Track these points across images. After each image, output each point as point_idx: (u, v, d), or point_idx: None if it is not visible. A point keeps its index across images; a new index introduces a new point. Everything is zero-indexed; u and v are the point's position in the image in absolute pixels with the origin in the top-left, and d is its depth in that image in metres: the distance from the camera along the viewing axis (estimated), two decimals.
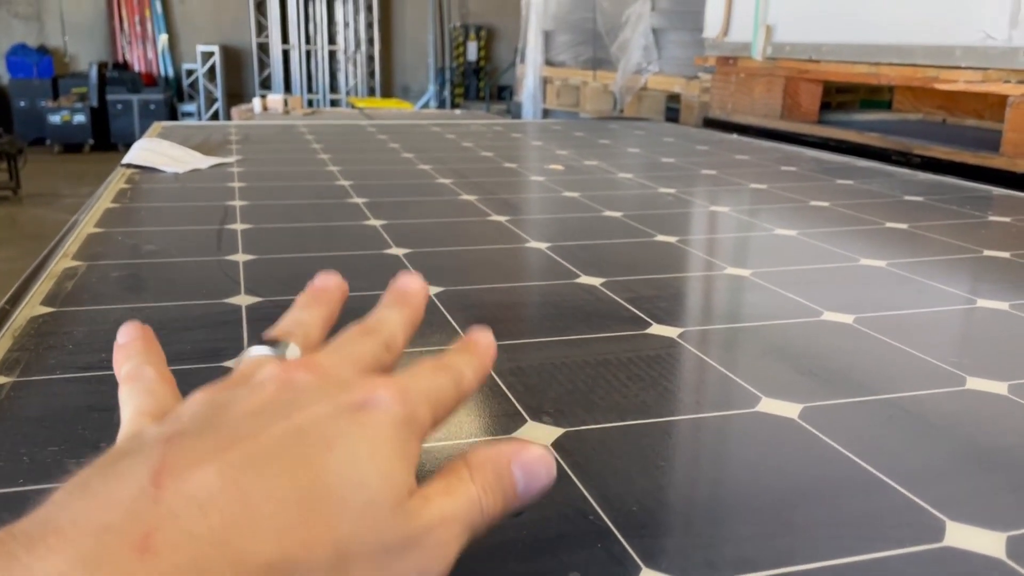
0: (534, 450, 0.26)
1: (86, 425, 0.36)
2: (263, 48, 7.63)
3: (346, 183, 0.95)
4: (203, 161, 1.06)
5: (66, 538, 0.18)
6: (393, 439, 0.24)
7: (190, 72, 7.51)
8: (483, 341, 0.31)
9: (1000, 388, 0.42)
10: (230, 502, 0.20)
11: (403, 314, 0.31)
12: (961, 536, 0.29)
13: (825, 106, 1.66)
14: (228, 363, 0.43)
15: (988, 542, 0.28)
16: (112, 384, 0.39)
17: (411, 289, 0.32)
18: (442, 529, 0.23)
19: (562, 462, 0.33)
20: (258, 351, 0.28)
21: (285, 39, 7.62)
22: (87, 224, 0.72)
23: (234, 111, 4.45)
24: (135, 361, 0.30)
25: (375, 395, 0.25)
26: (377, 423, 0.24)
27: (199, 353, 0.44)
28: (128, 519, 0.19)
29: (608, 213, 0.82)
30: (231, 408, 0.24)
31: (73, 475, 0.22)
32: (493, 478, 0.25)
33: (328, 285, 0.33)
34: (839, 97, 1.84)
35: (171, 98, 7.26)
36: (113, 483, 0.20)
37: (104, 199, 0.83)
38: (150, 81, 7.30)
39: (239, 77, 7.69)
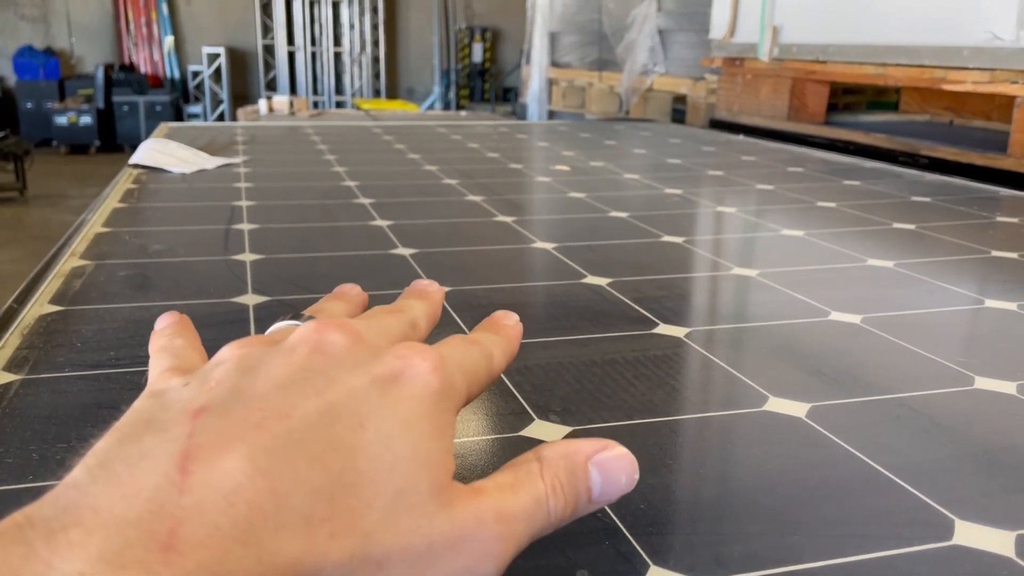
0: (616, 449, 0.24)
1: (95, 422, 0.36)
2: (268, 50, 7.65)
3: (352, 183, 0.95)
4: (210, 161, 1.06)
5: (88, 531, 0.18)
6: (428, 415, 0.23)
7: (196, 74, 7.53)
8: (509, 322, 0.31)
9: (1009, 388, 0.41)
10: (258, 492, 0.19)
11: (423, 306, 0.31)
12: (970, 535, 0.29)
13: (832, 107, 1.66)
14: None
15: (997, 541, 0.28)
16: (121, 381, 0.39)
17: (429, 288, 0.34)
18: (497, 525, 0.22)
19: None
20: (285, 323, 0.28)
21: (291, 41, 7.64)
22: (95, 224, 0.73)
23: (240, 112, 4.47)
24: (166, 337, 0.30)
25: (411, 364, 0.24)
26: (411, 397, 0.23)
27: (207, 351, 0.44)
28: (152, 512, 0.18)
29: (614, 214, 0.82)
30: (260, 374, 0.23)
31: (93, 446, 0.21)
32: (565, 476, 0.23)
33: (350, 290, 0.34)
34: (846, 98, 1.84)
35: (177, 100, 7.29)
36: (137, 467, 0.19)
37: (111, 199, 0.84)
38: (156, 83, 7.33)
39: (244, 79, 7.71)
